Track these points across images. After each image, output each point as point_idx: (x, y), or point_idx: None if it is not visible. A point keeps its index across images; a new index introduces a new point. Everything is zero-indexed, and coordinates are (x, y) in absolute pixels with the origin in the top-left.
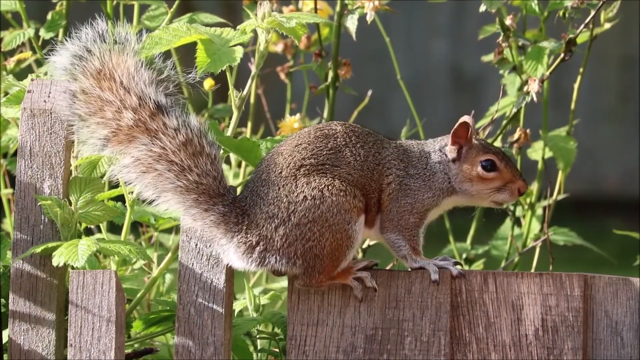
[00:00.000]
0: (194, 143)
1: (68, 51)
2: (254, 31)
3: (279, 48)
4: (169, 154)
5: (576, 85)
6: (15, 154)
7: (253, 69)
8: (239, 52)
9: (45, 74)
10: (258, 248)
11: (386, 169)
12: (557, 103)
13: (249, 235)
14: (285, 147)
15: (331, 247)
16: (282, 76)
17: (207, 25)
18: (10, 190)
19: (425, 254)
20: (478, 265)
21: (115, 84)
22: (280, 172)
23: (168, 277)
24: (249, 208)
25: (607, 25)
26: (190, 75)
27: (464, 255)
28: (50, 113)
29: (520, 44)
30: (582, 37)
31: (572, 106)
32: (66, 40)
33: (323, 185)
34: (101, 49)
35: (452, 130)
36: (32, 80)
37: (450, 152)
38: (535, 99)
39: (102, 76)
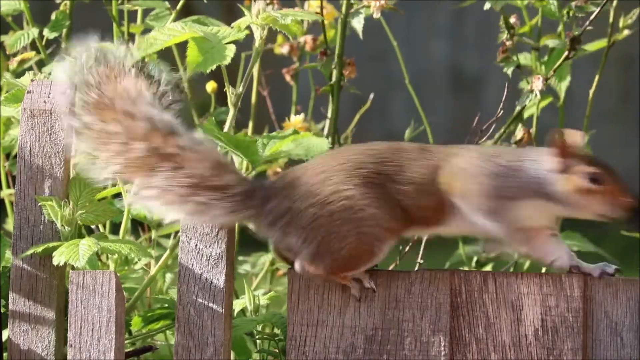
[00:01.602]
0: (214, 158)
1: (64, 86)
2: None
3: (284, 50)
4: (201, 181)
5: (591, 91)
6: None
7: (250, 66)
8: (230, 50)
9: (50, 74)
10: (284, 219)
11: (447, 180)
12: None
13: (279, 206)
14: (359, 145)
15: (348, 254)
16: (288, 78)
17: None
18: (12, 191)
19: (434, 257)
20: (486, 269)
21: (117, 114)
22: (342, 163)
23: (169, 276)
24: (289, 183)
25: (626, 32)
26: (177, 75)
27: (475, 258)
28: (50, 113)
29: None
30: (600, 43)
31: (587, 112)
32: (61, 68)
33: (372, 195)
34: (95, 76)
35: (553, 141)
36: (32, 80)
37: (552, 162)
38: (539, 96)
39: (103, 107)
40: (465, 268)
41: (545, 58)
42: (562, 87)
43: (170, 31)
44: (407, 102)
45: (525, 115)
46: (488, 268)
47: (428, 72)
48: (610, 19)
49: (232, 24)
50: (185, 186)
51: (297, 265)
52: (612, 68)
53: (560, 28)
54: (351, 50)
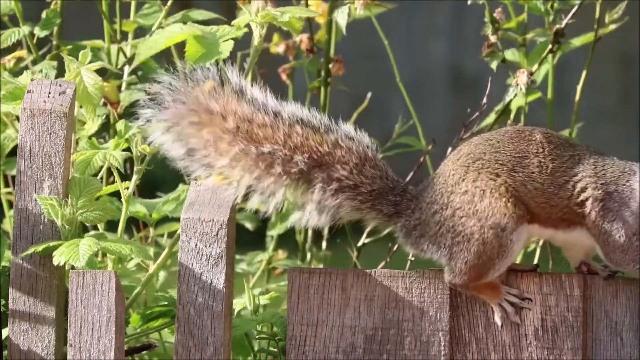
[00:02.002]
0: (359, 154)
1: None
2: (250, 28)
3: (280, 49)
4: (354, 183)
5: (579, 87)
6: (9, 154)
7: (250, 63)
8: (228, 46)
9: (41, 71)
10: (415, 233)
11: (578, 187)
12: (557, 103)
13: (410, 220)
14: (479, 137)
15: (479, 251)
16: (284, 77)
17: (201, 22)
18: (6, 190)
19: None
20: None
21: (263, 128)
22: (458, 159)
23: (162, 274)
24: (419, 193)
25: (612, 27)
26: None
27: None
28: (50, 113)
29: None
30: (587, 37)
31: (575, 108)
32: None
33: (487, 188)
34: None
35: None
36: (32, 80)
37: None
38: (524, 91)
39: (241, 125)
40: None
41: (553, 58)
42: (542, 72)
43: (170, 33)
44: (407, 101)
45: (512, 106)
46: None
47: (428, 72)
48: (597, 14)
49: (232, 22)
50: (352, 196)
51: (445, 279)
52: (612, 68)
53: (547, 25)
54: (351, 49)
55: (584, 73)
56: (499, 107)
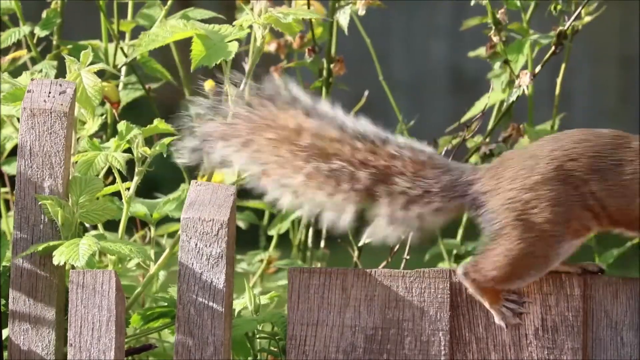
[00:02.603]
0: (417, 161)
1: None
2: (250, 28)
3: (272, 48)
4: (417, 194)
5: (559, 80)
6: (9, 154)
7: (248, 65)
8: (233, 47)
9: (40, 71)
10: (486, 195)
11: None
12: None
13: (485, 184)
14: (571, 134)
15: (525, 250)
16: (276, 76)
17: (202, 21)
18: (5, 190)
19: (422, 252)
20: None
21: (333, 143)
22: (554, 150)
23: (161, 274)
24: (501, 162)
25: (588, 18)
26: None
27: (454, 252)
28: (50, 113)
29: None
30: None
31: (556, 102)
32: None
33: (561, 197)
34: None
35: None
36: (32, 79)
37: None
38: (527, 92)
39: (289, 134)
40: (445, 262)
41: (532, 53)
42: (518, 66)
43: (172, 28)
44: (408, 102)
45: (491, 102)
46: (467, 261)
47: (428, 72)
48: (572, 7)
49: (234, 23)
50: (405, 203)
51: (459, 270)
52: (612, 68)
53: (526, 18)
54: (351, 49)
55: (563, 66)
56: (483, 100)
